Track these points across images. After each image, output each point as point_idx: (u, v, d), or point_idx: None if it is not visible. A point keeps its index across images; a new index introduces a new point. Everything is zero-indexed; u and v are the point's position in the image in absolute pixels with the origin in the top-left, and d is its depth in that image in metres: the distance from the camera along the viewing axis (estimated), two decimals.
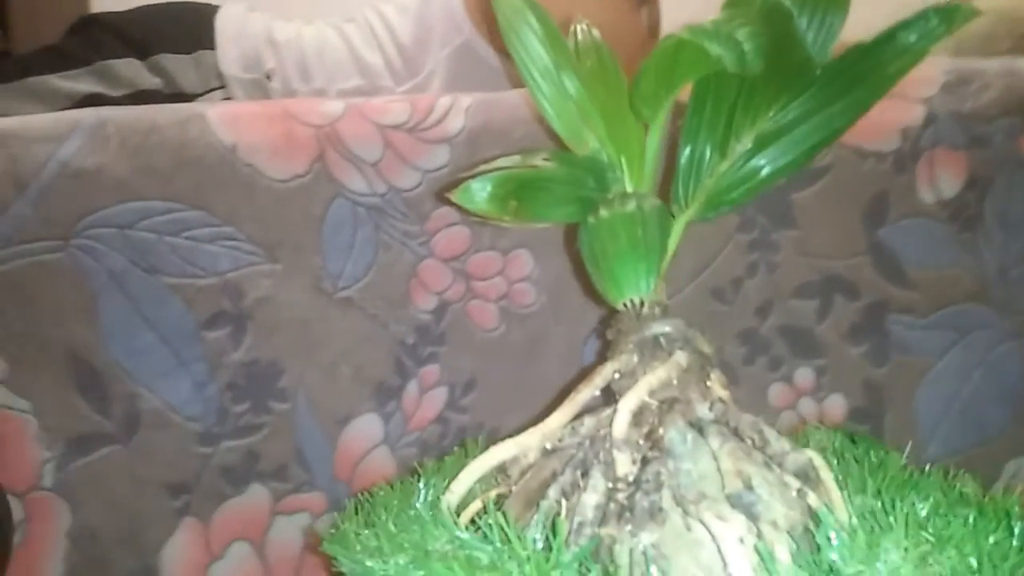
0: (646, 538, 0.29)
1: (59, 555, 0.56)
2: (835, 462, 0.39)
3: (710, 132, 0.40)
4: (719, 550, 0.29)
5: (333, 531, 0.37)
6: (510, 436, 0.47)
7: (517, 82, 0.51)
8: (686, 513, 0.30)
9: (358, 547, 0.32)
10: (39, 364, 0.55)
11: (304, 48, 0.85)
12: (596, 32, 0.44)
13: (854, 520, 0.30)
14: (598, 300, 0.59)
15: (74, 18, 0.92)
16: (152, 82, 0.80)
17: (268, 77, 0.84)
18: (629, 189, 0.41)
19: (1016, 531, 0.30)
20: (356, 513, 0.38)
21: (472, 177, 0.40)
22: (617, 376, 0.37)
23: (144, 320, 0.55)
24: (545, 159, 0.42)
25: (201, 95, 0.82)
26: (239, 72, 0.83)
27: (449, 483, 0.35)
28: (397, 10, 0.87)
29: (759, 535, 0.29)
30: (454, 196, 0.40)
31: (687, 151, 0.41)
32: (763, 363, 0.62)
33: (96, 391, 0.55)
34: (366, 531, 0.33)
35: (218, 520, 0.57)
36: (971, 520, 0.31)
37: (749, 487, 0.31)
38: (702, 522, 0.29)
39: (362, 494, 0.42)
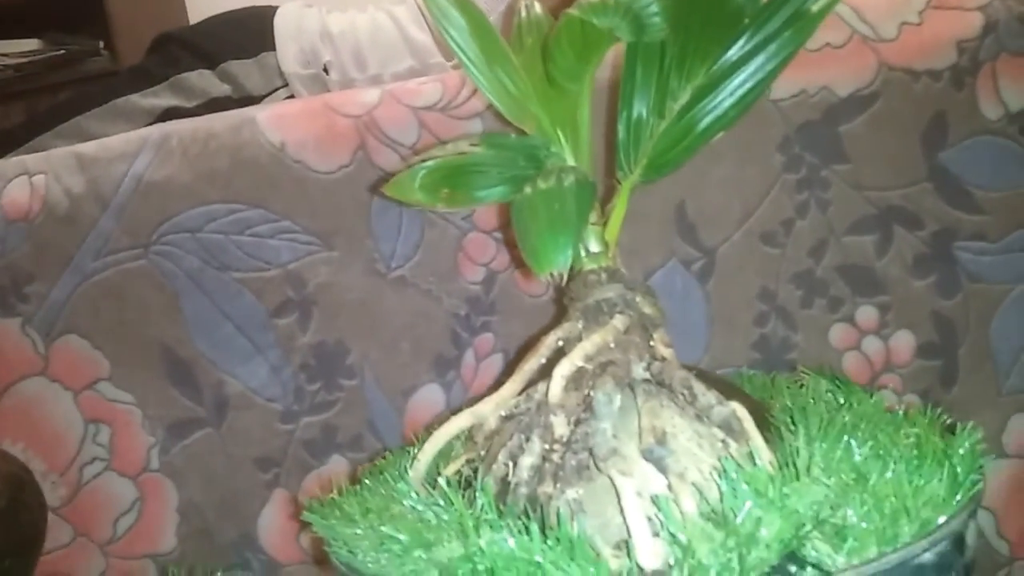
0: (571, 494, 0.31)
1: (172, 528, 0.63)
2: (812, 405, 0.38)
3: (644, 94, 0.40)
4: (620, 503, 0.30)
5: (321, 501, 0.40)
6: None
7: None
8: (599, 470, 0.31)
9: (337, 512, 0.35)
10: (137, 360, 0.61)
11: (358, 36, 0.89)
12: (539, 8, 0.44)
13: (771, 469, 0.30)
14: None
15: None
16: (222, 89, 0.86)
17: (326, 70, 0.88)
18: (571, 163, 0.42)
19: (944, 478, 0.29)
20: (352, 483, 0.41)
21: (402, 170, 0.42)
22: (561, 344, 0.38)
23: (221, 313, 0.60)
24: (473, 144, 0.43)
25: (266, 96, 0.87)
26: (298, 68, 0.88)
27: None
28: None
29: (669, 487, 0.30)
30: (387, 190, 0.42)
31: (624, 116, 0.41)
32: (821, 305, 0.61)
33: (187, 380, 0.61)
34: (340, 501, 0.36)
35: (305, 489, 0.62)
36: (902, 464, 0.30)
37: (662, 442, 0.31)
38: (609, 477, 0.30)
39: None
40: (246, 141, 0.60)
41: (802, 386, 0.44)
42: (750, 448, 0.32)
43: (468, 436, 0.39)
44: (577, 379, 0.35)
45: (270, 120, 0.60)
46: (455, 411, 0.61)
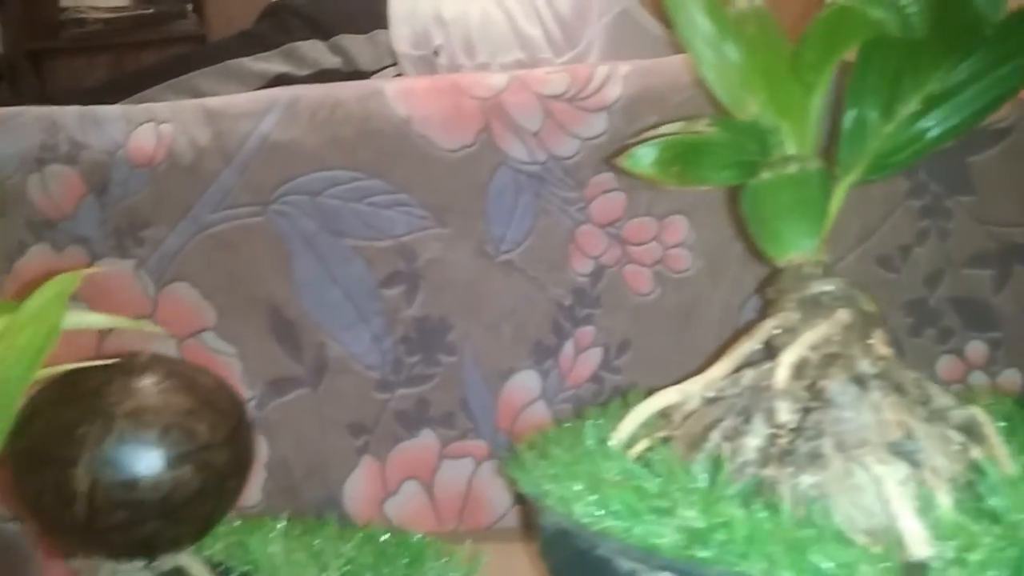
0: (807, 479, 0.31)
1: (259, 483, 0.64)
2: (1003, 424, 0.38)
3: (875, 95, 0.40)
4: (880, 492, 0.30)
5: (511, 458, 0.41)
6: None
7: (679, 50, 0.52)
8: (848, 459, 0.31)
9: (536, 473, 0.35)
10: (243, 314, 0.62)
11: (469, 24, 0.89)
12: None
13: (1017, 473, 0.30)
14: (760, 262, 0.59)
15: (262, 4, 1.01)
16: (332, 61, 0.87)
17: (436, 54, 0.89)
18: (790, 153, 0.42)
19: None
20: (530, 448, 0.41)
21: (636, 144, 0.42)
22: (778, 332, 0.38)
23: (331, 278, 0.61)
24: (708, 125, 0.43)
25: (375, 72, 0.88)
26: (409, 49, 0.89)
27: (614, 424, 0.38)
28: None
29: (921, 482, 0.30)
30: (620, 162, 0.42)
31: (852, 114, 0.41)
32: (931, 335, 0.60)
33: (290, 339, 0.62)
34: (542, 462, 0.37)
35: (393, 459, 0.63)
36: None
37: (910, 437, 0.31)
38: (863, 466, 0.30)
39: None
40: (373, 112, 0.60)
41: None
42: (991, 453, 0.32)
43: (660, 413, 0.39)
44: (800, 368, 0.35)
45: (398, 93, 0.61)
46: (548, 398, 0.62)
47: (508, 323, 0.62)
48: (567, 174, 0.60)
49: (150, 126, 0.61)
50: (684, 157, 0.42)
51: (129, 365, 0.33)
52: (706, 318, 0.61)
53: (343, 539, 0.34)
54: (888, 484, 0.30)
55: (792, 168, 0.40)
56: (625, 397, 0.52)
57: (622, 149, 0.42)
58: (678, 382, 0.58)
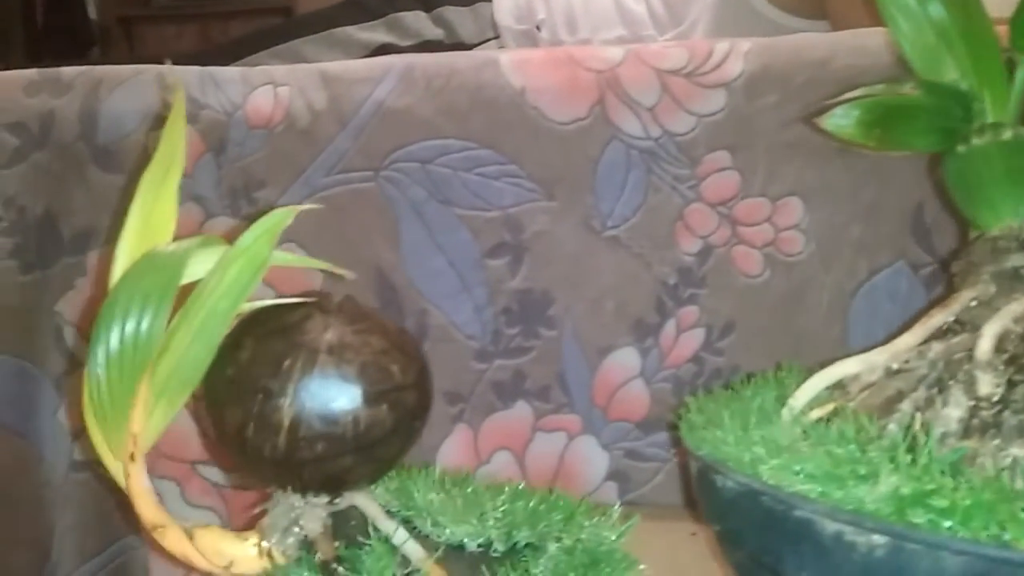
0: (1016, 452, 0.30)
1: None
2: None
3: None
4: None
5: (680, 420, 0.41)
6: None
7: (790, 31, 0.50)
8: None
9: (708, 436, 0.35)
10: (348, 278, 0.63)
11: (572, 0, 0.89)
12: None
13: None
14: (874, 251, 0.58)
15: None
16: (435, 33, 0.88)
17: (538, 28, 0.88)
18: (992, 121, 0.40)
19: None
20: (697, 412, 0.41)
21: (837, 104, 0.41)
22: (973, 304, 0.37)
23: (437, 246, 0.62)
24: (912, 88, 0.42)
25: (477, 45, 0.89)
26: (511, 23, 0.88)
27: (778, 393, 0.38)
28: None
29: None
30: (822, 122, 0.41)
31: None
32: None
33: (394, 305, 0.63)
34: (714, 425, 0.36)
35: (486, 429, 0.63)
36: None
37: None
38: None
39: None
40: (488, 81, 0.60)
41: None
42: None
43: (835, 385, 0.39)
44: (1000, 340, 0.35)
45: (513, 64, 0.61)
46: (646, 376, 0.61)
47: (610, 299, 0.61)
48: (681, 151, 0.59)
49: (268, 88, 0.62)
50: (886, 120, 0.40)
51: (324, 304, 0.34)
52: (815, 304, 0.60)
53: (491, 493, 0.35)
54: None
55: (1007, 135, 0.39)
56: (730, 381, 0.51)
57: (823, 109, 0.41)
58: (780, 367, 0.58)
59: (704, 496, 0.34)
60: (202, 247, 0.34)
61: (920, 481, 0.27)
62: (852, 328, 0.59)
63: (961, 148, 0.40)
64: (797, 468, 0.29)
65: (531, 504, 0.32)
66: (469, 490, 0.35)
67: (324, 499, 0.33)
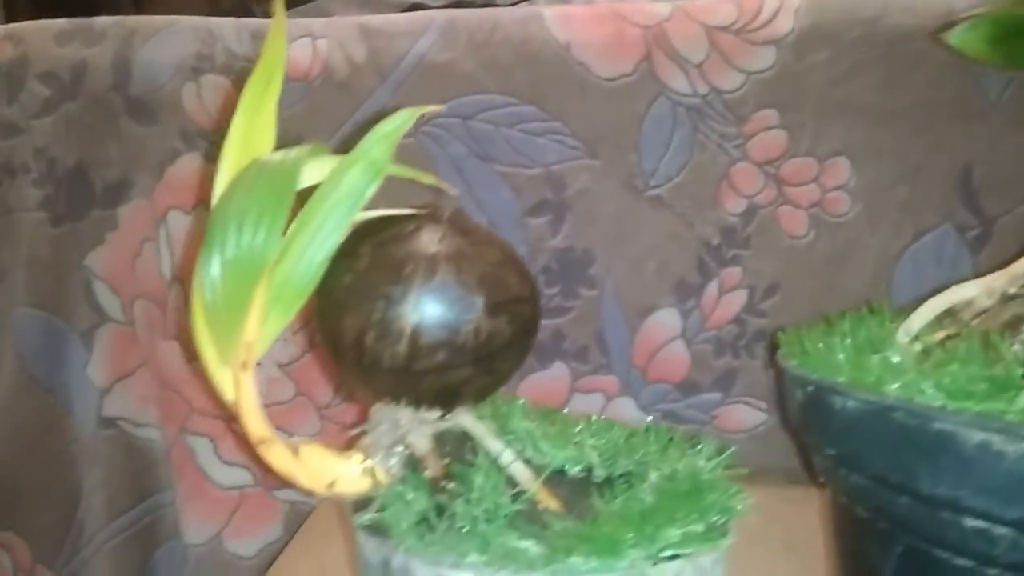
0: None
1: None
2: None
3: None
4: None
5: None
6: None
7: None
8: None
9: (822, 358, 0.35)
10: None
11: None
12: None
13: None
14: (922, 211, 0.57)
15: None
16: None
17: None
18: None
19: None
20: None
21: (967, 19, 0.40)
22: None
23: (477, 203, 0.61)
24: None
25: (511, 4, 0.87)
26: None
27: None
28: None
29: None
30: (948, 37, 0.40)
31: None
32: None
33: None
34: (828, 350, 0.36)
35: (523, 389, 0.62)
36: None
37: None
38: None
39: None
40: (532, 36, 0.59)
41: None
42: None
43: (946, 312, 0.38)
44: None
45: (558, 18, 0.60)
46: (687, 337, 0.61)
47: (652, 259, 0.61)
48: (728, 109, 0.58)
49: (306, 41, 0.61)
50: (1015, 36, 0.39)
51: (437, 214, 0.33)
52: (859, 265, 0.59)
53: (583, 424, 0.34)
54: None
55: None
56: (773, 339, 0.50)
57: (948, 25, 0.40)
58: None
59: (817, 421, 0.33)
60: (311, 156, 0.34)
61: None
62: (897, 291, 0.59)
63: None
64: (925, 386, 0.28)
65: (625, 435, 0.31)
66: (559, 420, 0.35)
67: (434, 415, 0.32)
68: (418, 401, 0.32)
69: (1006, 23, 0.38)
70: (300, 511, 0.65)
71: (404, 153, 0.61)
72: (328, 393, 0.64)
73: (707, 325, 0.61)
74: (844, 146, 0.58)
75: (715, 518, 0.25)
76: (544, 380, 0.63)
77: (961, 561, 0.28)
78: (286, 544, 0.66)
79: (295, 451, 0.34)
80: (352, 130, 0.61)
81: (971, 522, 0.28)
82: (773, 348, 0.42)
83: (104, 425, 0.64)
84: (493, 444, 0.31)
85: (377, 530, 0.29)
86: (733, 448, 0.29)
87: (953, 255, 0.58)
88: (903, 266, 0.59)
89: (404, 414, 0.32)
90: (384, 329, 0.30)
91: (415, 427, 0.32)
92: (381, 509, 0.30)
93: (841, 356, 0.34)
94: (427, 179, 0.35)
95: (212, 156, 0.62)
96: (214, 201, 0.33)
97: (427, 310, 0.29)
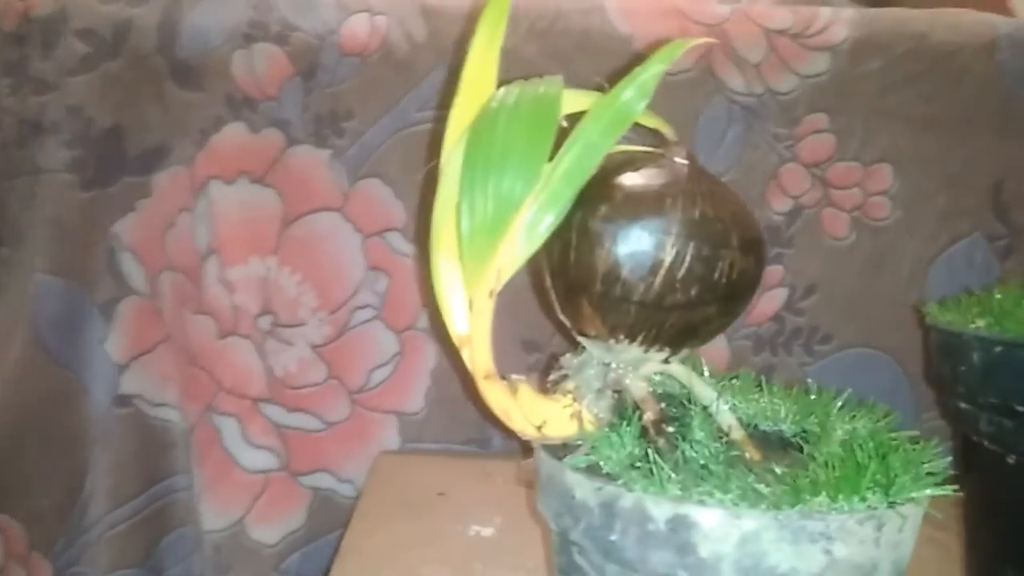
0: None
1: (422, 390, 0.63)
2: None
3: None
4: None
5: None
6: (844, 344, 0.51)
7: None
8: None
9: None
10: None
11: None
12: None
13: None
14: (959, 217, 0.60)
15: None
16: None
17: None
18: None
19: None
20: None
21: None
22: None
23: None
24: None
25: None
26: None
27: None
28: None
29: None
30: None
31: None
32: None
33: None
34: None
35: (552, 381, 0.62)
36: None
37: None
38: None
39: None
40: (594, 27, 0.60)
41: None
42: None
43: None
44: None
45: (621, 12, 0.60)
46: (727, 333, 0.62)
47: None
48: (782, 110, 0.60)
49: (364, 16, 0.60)
50: None
51: (680, 153, 0.33)
52: (896, 269, 0.62)
53: (759, 384, 0.34)
54: None
55: None
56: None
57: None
58: (863, 331, 0.59)
59: (1004, 380, 0.34)
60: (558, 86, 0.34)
61: None
62: (930, 294, 0.62)
63: None
64: None
65: (809, 396, 0.31)
66: (737, 380, 0.35)
67: (658, 356, 0.32)
68: (656, 338, 0.31)
69: None
70: (325, 499, 0.63)
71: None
72: (362, 377, 0.63)
73: (747, 321, 0.62)
74: (888, 153, 0.61)
75: (919, 469, 0.25)
76: None
77: None
78: (308, 533, 0.64)
79: (514, 390, 0.33)
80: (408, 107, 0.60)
81: None
82: (921, 317, 0.43)
83: (119, 403, 0.61)
84: (705, 391, 0.31)
85: (596, 473, 0.28)
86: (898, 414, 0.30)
87: (983, 261, 0.61)
88: (937, 270, 0.62)
89: (615, 356, 0.32)
90: (643, 260, 0.30)
91: (630, 370, 0.32)
92: (591, 452, 0.29)
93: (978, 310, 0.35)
94: (659, 123, 0.35)
95: (257, 127, 0.61)
96: (452, 136, 0.34)
97: (687, 244, 0.29)
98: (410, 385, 0.63)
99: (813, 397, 0.31)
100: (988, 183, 0.61)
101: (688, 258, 0.30)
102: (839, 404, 0.30)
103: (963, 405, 0.37)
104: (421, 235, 0.62)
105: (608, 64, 0.60)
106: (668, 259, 0.30)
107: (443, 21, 0.60)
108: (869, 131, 0.60)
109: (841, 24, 0.60)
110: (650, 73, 0.30)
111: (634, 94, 0.30)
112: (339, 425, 0.63)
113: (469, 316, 0.32)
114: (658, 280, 0.30)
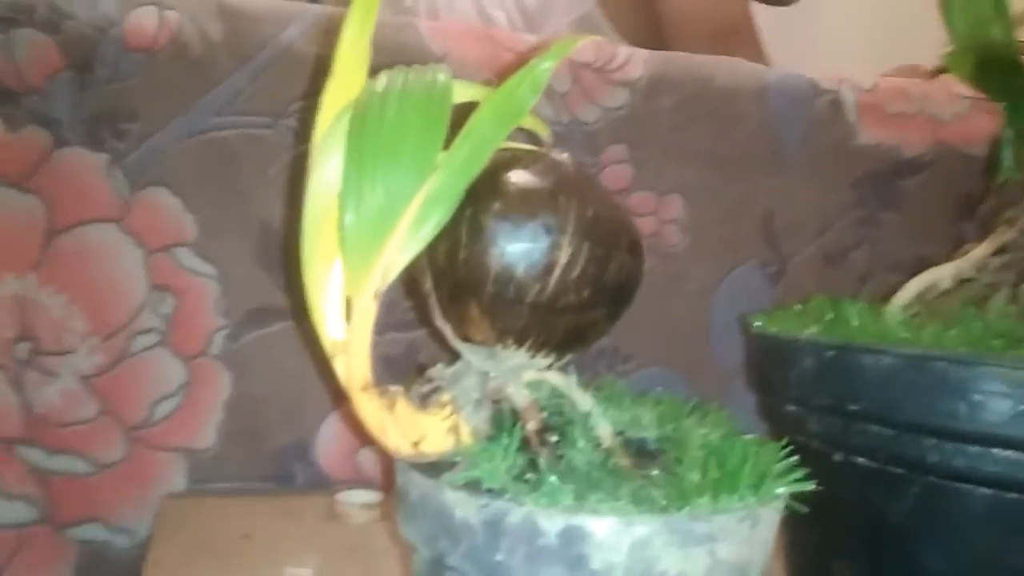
0: None
1: (213, 424, 0.57)
2: None
3: None
4: None
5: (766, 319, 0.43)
6: (642, 364, 0.55)
7: None
8: None
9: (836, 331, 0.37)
10: (230, 233, 0.57)
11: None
12: None
13: None
14: (738, 247, 0.65)
15: None
16: None
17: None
18: None
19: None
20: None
21: None
22: None
23: None
24: None
25: None
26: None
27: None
28: None
29: None
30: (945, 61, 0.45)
31: None
32: None
33: (279, 267, 0.57)
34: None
35: None
36: None
37: None
38: None
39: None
40: (408, 44, 0.59)
41: None
42: None
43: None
44: None
45: (434, 31, 0.60)
46: None
47: None
48: (586, 139, 0.63)
49: (152, 9, 0.54)
50: (989, 67, 0.44)
51: (554, 153, 0.31)
52: (685, 291, 0.66)
53: (619, 392, 0.33)
54: None
55: None
56: None
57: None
58: (659, 351, 0.63)
59: (837, 382, 0.36)
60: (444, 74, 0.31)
61: None
62: (715, 315, 0.67)
63: None
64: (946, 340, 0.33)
65: (663, 404, 0.31)
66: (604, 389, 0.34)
67: (538, 364, 0.30)
68: (546, 343, 0.29)
69: (981, 53, 0.45)
70: (95, 552, 0.55)
71: (259, 145, 0.56)
72: (143, 411, 0.55)
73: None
74: (679, 184, 0.65)
75: (776, 468, 0.26)
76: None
77: (982, 491, 0.33)
78: None
79: (392, 403, 0.30)
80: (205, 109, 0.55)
81: (1002, 453, 0.32)
82: (747, 328, 0.45)
83: None
84: (582, 398, 0.30)
85: (477, 489, 0.26)
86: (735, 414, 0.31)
87: (758, 286, 0.68)
88: (719, 295, 0.67)
89: (495, 364, 0.30)
90: (536, 260, 0.28)
91: (511, 379, 0.30)
92: (472, 468, 0.27)
93: (856, 322, 0.38)
94: (536, 124, 0.34)
95: (16, 124, 0.52)
96: (322, 127, 0.31)
97: (582, 244, 0.28)
98: (200, 418, 0.57)
99: (665, 404, 0.32)
100: (761, 216, 0.68)
101: (582, 259, 0.29)
102: (689, 409, 0.31)
103: (791, 408, 0.40)
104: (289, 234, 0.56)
105: None
106: (563, 259, 0.29)
107: (243, 22, 0.56)
108: (663, 163, 0.64)
109: (638, 62, 0.63)
110: (542, 69, 0.29)
111: (527, 89, 0.29)
112: (113, 467, 0.55)
113: (348, 320, 0.30)
114: (552, 281, 0.29)
